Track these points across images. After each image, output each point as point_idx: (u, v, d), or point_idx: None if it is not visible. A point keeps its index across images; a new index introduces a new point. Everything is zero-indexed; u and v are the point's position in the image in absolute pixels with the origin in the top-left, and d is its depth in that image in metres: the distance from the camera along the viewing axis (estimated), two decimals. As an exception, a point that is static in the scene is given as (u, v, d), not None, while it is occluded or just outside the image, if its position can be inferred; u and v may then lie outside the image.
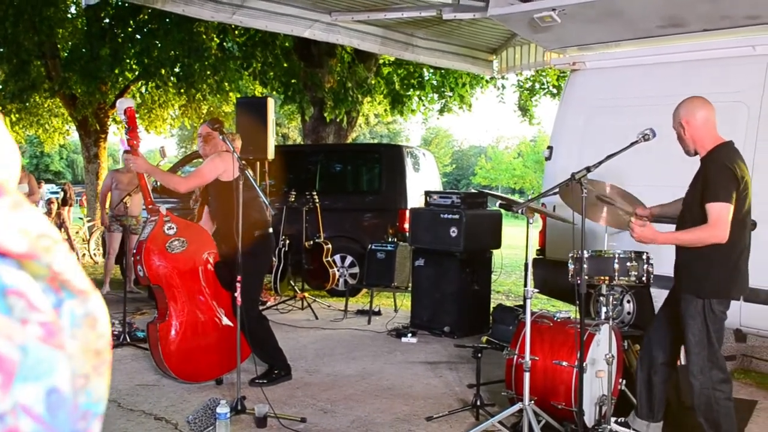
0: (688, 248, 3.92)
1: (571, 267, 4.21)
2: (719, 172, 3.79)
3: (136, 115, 5.51)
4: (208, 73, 13.96)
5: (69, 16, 16.02)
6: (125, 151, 9.40)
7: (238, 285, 4.66)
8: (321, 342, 7.09)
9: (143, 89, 17.51)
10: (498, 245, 7.79)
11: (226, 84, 15.38)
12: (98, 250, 14.04)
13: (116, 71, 14.74)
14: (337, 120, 13.60)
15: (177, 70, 14.19)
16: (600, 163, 3.97)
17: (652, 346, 4.30)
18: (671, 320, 4.15)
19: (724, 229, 3.71)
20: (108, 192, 9.68)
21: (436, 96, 16.43)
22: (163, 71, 14.34)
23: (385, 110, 17.45)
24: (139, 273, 5.34)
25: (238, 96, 14.53)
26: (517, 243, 4.55)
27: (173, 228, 5.36)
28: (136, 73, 15.73)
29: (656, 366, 4.26)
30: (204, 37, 13.96)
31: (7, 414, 0.59)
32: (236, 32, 13.97)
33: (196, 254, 5.46)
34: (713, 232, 3.72)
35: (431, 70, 15.19)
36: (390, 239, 8.64)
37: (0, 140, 0.72)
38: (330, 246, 9.29)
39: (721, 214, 3.71)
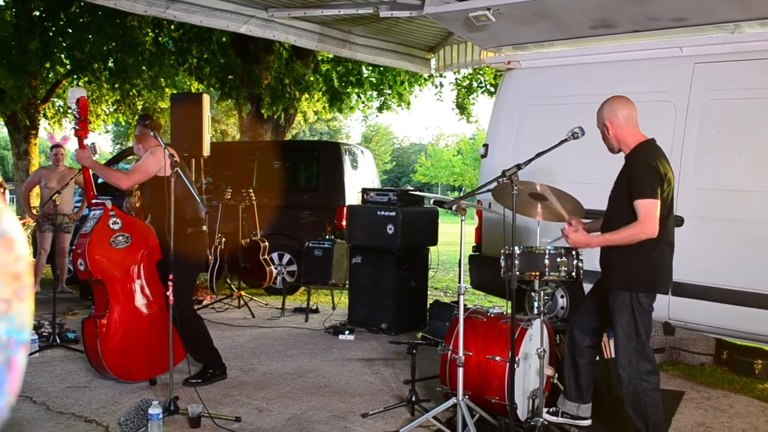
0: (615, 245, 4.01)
1: (502, 263, 4.27)
2: (644, 170, 3.89)
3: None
4: (143, 68, 13.67)
5: (-4, 7, 15.56)
6: (54, 146, 9.24)
7: (171, 284, 4.59)
8: (257, 340, 7.03)
9: (75, 84, 17.09)
10: (434, 242, 7.83)
11: (162, 79, 15.14)
12: (29, 249, 13.65)
13: (47, 65, 14.35)
14: (275, 117, 13.50)
15: (110, 64, 13.87)
16: (530, 160, 4.03)
17: (576, 331, 4.40)
18: (596, 309, 4.26)
19: (654, 225, 3.81)
20: (33, 188, 9.43)
21: (375, 93, 16.46)
22: (95, 66, 14.01)
23: (324, 107, 17.40)
24: (79, 267, 5.20)
25: (174, 92, 14.29)
26: (455, 240, 4.57)
27: (118, 223, 5.26)
28: (68, 67, 15.33)
29: (581, 349, 4.36)
30: (138, 31, 13.68)
31: None
32: (171, 27, 13.74)
33: (140, 250, 5.37)
34: (643, 228, 3.82)
35: (370, 68, 15.20)
36: (328, 237, 8.61)
37: None
38: (267, 244, 9.21)
39: (649, 210, 3.81)
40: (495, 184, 4.11)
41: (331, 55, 14.06)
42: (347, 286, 7.99)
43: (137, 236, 5.36)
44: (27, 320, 0.68)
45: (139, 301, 5.36)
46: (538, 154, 4.05)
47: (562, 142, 4.10)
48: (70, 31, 13.82)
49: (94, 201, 5.37)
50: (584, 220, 4.39)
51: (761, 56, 5.75)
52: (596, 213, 4.42)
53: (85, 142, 5.22)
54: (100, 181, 9.25)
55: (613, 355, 4.46)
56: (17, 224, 0.69)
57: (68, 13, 13.62)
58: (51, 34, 13.73)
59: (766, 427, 4.76)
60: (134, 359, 5.29)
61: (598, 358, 4.61)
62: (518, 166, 3.97)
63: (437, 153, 57.05)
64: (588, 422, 4.43)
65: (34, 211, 9.26)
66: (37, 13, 14.02)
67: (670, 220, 4.00)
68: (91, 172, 5.45)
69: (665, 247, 4.01)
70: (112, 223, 5.23)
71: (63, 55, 14.61)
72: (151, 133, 5.06)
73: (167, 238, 4.69)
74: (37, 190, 9.49)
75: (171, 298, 4.61)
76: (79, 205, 9.05)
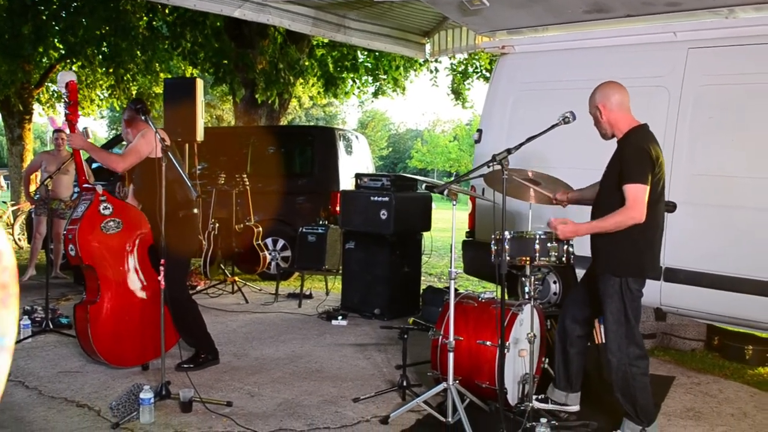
0: None
1: (493, 248, 4.26)
2: (635, 155, 3.88)
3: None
4: (137, 52, 13.60)
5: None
6: (56, 131, 9.20)
7: (162, 268, 4.57)
8: (250, 326, 7.03)
9: (69, 69, 17.00)
10: (428, 227, 7.83)
11: (156, 64, 15.07)
12: (23, 234, 13.62)
13: (40, 50, 14.27)
14: (269, 102, 13.46)
15: (104, 49, 13.80)
16: (520, 145, 4.02)
17: (567, 320, 4.41)
18: (588, 296, 4.26)
19: (641, 210, 3.81)
20: (33, 172, 9.42)
21: (370, 79, 16.42)
22: (89, 50, 13.94)
23: (319, 92, 17.36)
24: (70, 252, 5.17)
25: (168, 76, 14.24)
26: (449, 225, 4.57)
27: (109, 208, 5.21)
28: (61, 51, 15.25)
29: (572, 338, 4.38)
30: (131, 15, 13.61)
31: None
32: (165, 11, 13.66)
33: (131, 236, 5.33)
34: (631, 213, 3.82)
35: (365, 53, 15.16)
36: (322, 222, 8.61)
37: None
38: (260, 229, 9.21)
39: (637, 195, 3.81)
40: (486, 168, 4.10)
41: (325, 40, 14.01)
42: (341, 271, 7.99)
43: (129, 221, 5.32)
44: (10, 327, 0.69)
45: (131, 287, 5.33)
46: (529, 139, 4.05)
47: (552, 126, 4.09)
48: (64, 15, 13.75)
49: (85, 186, 5.34)
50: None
51: (755, 41, 5.73)
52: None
53: (77, 125, 5.18)
54: (94, 166, 9.24)
55: (603, 341, 4.46)
56: (4, 236, 0.70)
57: (61, -4, 13.57)
58: (44, 18, 13.65)
59: (754, 412, 4.78)
60: (126, 344, 5.27)
61: (588, 344, 4.62)
62: (508, 151, 3.96)
63: (433, 139, 57.02)
64: (576, 408, 4.45)
65: (32, 195, 9.23)
66: (30, -3, 13.96)
67: (660, 205, 4.00)
68: (83, 157, 5.41)
69: (655, 232, 4.01)
70: (103, 209, 5.20)
71: (56, 40, 14.54)
72: (142, 117, 5.02)
73: (158, 222, 4.67)
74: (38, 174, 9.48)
75: (162, 282, 4.59)
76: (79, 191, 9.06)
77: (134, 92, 17.07)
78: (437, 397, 4.56)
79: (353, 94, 17.05)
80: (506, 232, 4.10)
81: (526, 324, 4.40)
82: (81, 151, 5.38)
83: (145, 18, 14.19)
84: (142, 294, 5.35)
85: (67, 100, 5.13)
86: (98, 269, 5.19)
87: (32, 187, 9.75)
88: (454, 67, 16.74)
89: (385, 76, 15.93)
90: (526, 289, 4.43)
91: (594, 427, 4.24)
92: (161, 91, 16.03)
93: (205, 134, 8.70)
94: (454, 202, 4.41)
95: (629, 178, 3.83)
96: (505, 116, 7.21)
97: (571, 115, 4.06)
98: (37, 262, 9.57)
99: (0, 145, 52.25)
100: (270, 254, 9.55)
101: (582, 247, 4.41)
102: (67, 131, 5.27)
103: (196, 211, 5.46)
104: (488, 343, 4.44)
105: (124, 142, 10.01)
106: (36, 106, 17.19)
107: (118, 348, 5.24)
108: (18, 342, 6.04)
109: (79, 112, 5.29)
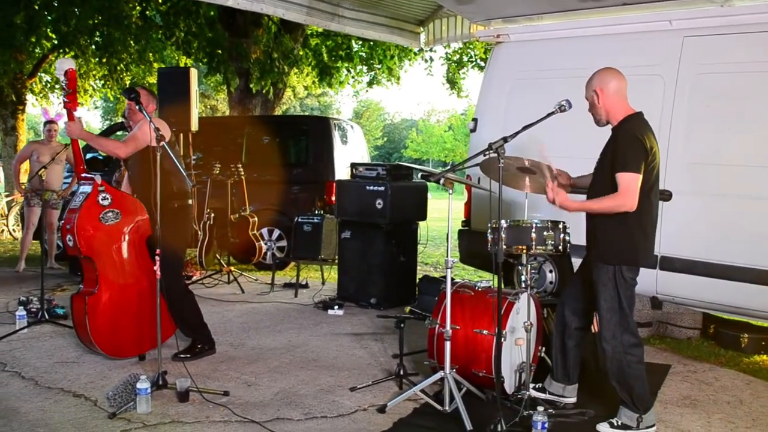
0: (599, 217, 4.01)
1: (489, 237, 4.26)
2: (629, 143, 3.88)
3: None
4: (130, 42, 13.51)
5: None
6: (48, 122, 9.16)
7: (157, 258, 4.56)
8: (247, 316, 7.03)
9: (63, 57, 16.89)
10: (423, 217, 7.82)
11: (149, 54, 15.00)
12: (18, 225, 13.58)
13: (32, 40, 14.17)
14: (264, 91, 13.42)
15: (96, 38, 13.70)
16: (516, 133, 4.01)
17: (565, 311, 4.41)
18: (584, 287, 4.26)
19: (633, 198, 3.81)
20: (23, 162, 9.37)
21: (364, 68, 16.38)
22: (82, 40, 13.84)
23: (314, 82, 17.31)
24: (68, 243, 5.13)
25: (161, 66, 14.17)
26: (445, 215, 4.56)
27: (108, 198, 5.17)
28: (54, 41, 15.15)
29: (570, 330, 4.38)
30: (124, 5, 13.51)
31: None
32: (159, 0, 13.59)
33: (130, 226, 5.29)
34: (622, 201, 3.83)
35: (359, 42, 15.12)
36: (318, 212, 8.60)
37: None
38: (256, 219, 9.19)
39: (630, 183, 3.81)
40: (481, 157, 4.09)
41: (320, 29, 13.96)
42: (336, 261, 7.99)
43: (127, 212, 5.28)
44: None
45: (129, 278, 5.30)
46: (525, 127, 4.04)
47: (548, 115, 4.08)
48: (56, 4, 13.64)
49: (83, 176, 5.30)
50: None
51: (750, 29, 5.72)
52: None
53: (75, 114, 5.14)
54: (87, 156, 9.21)
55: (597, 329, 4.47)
56: None
57: (53, -14, 13.46)
58: (36, 7, 13.53)
59: (750, 400, 4.80)
60: (123, 335, 5.26)
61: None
62: (504, 139, 3.96)
63: (428, 129, 56.88)
64: (573, 401, 4.45)
65: (23, 186, 9.19)
66: (23, -13, 13.84)
67: (654, 194, 4.00)
68: (81, 145, 5.37)
69: (649, 221, 4.01)
70: (102, 199, 5.17)
71: (49, 29, 14.42)
72: (137, 107, 5.00)
73: (154, 212, 4.66)
74: (26, 165, 9.43)
75: (158, 272, 4.58)
76: (68, 181, 9.08)
77: (128, 82, 16.96)
78: (434, 386, 4.57)
79: (348, 83, 17.02)
80: (502, 221, 4.10)
81: (522, 313, 4.40)
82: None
83: (138, 7, 14.09)
84: (139, 285, 5.31)
85: (65, 88, 5.08)
86: (96, 260, 5.16)
87: (23, 178, 9.72)
88: (449, 57, 16.72)
89: (379, 66, 15.91)
90: (523, 278, 4.43)
91: (590, 415, 4.25)
92: (155, 81, 15.96)
93: (199, 124, 8.68)
94: (450, 191, 4.40)
95: (622, 166, 3.84)
96: (501, 105, 7.19)
97: (567, 103, 4.05)
98: (29, 253, 9.53)
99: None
100: (266, 244, 9.55)
101: (578, 236, 4.41)
102: (60, 123, 5.22)
103: (191, 201, 5.45)
104: (485, 331, 4.45)
105: (119, 132, 10.01)
106: (29, 97, 17.09)
107: (115, 339, 5.23)
108: (14, 333, 6.03)
109: (78, 100, 5.24)
